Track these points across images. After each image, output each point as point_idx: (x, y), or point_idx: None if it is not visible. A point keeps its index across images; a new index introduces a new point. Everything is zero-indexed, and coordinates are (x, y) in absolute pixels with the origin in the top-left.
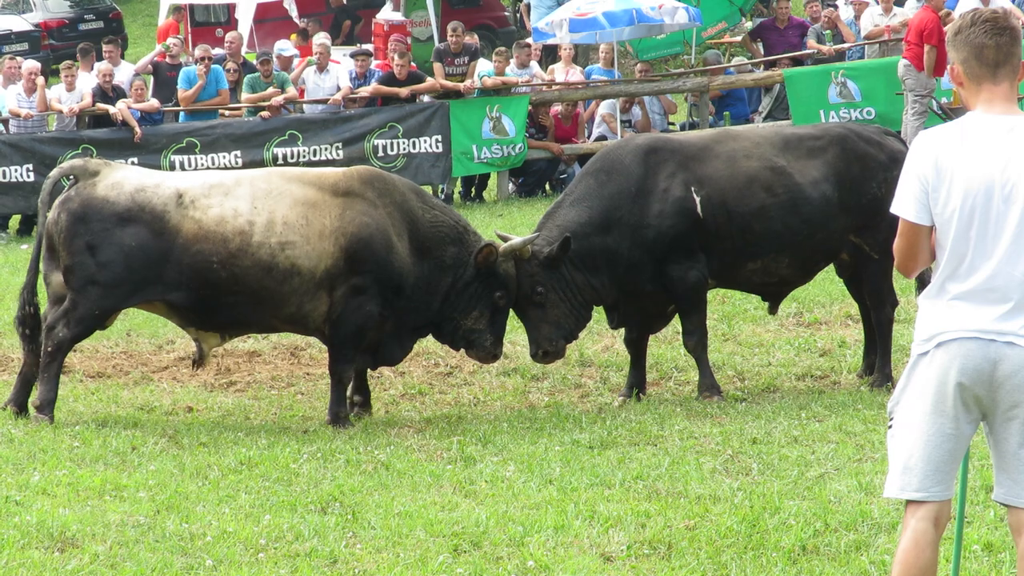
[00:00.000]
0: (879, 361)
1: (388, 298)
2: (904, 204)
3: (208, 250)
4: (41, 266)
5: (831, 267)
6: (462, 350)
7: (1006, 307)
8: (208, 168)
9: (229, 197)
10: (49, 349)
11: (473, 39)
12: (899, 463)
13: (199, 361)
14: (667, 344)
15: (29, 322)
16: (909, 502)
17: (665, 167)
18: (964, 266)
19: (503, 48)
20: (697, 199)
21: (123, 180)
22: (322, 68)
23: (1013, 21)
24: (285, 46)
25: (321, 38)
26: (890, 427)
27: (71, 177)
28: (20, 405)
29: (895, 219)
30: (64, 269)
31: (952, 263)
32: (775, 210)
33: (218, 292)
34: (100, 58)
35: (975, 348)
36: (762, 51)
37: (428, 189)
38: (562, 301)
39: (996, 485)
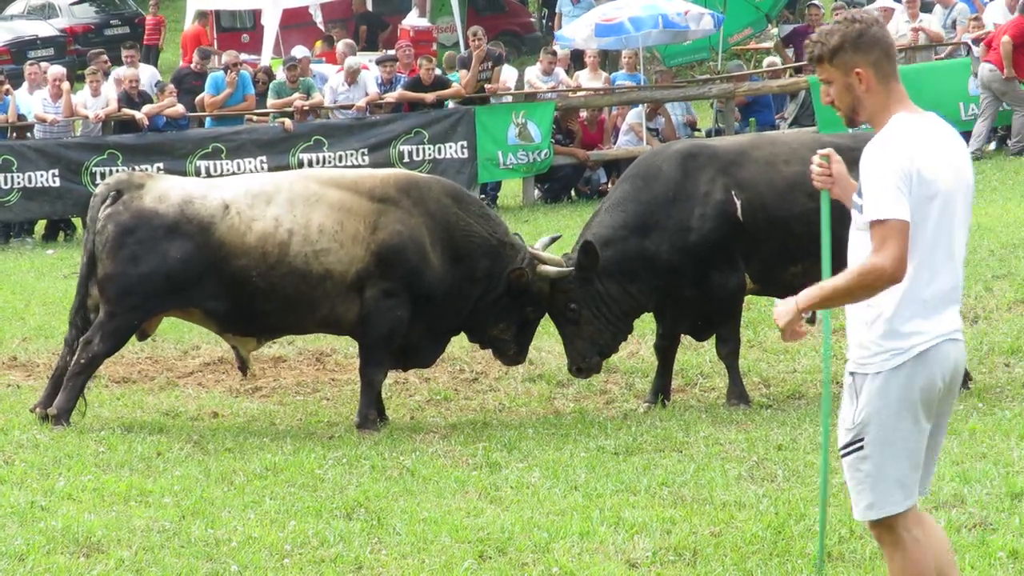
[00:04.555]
0: None
1: (419, 304)
2: (898, 206)
3: (249, 263)
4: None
5: None
6: (488, 352)
7: (959, 305)
8: (234, 174)
9: (271, 206)
10: (82, 361)
11: (498, 47)
12: (892, 483)
13: (243, 368)
14: (692, 351)
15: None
16: (892, 515)
17: (704, 172)
18: (935, 268)
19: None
20: (738, 203)
21: (169, 191)
22: (351, 82)
23: None
24: (300, 51)
25: (349, 58)
26: (858, 449)
27: (116, 191)
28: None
29: None
30: (102, 278)
31: (926, 266)
32: (816, 215)
33: (255, 300)
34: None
35: (952, 350)
36: (792, 57)
37: None
38: (596, 318)
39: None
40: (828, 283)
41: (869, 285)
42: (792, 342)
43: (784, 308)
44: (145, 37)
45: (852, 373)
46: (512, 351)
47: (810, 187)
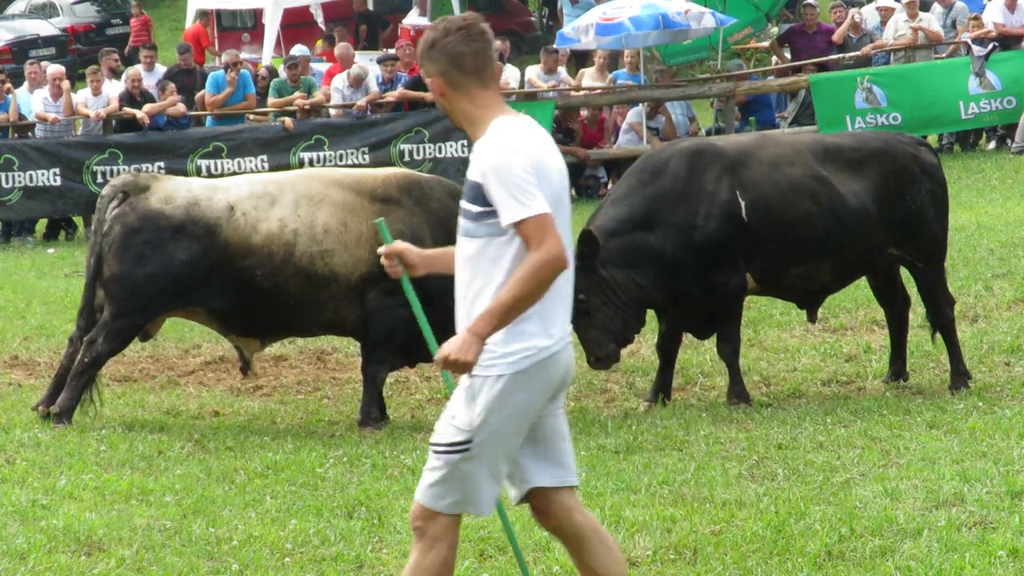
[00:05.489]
0: (952, 361)
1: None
2: (537, 200)
3: (254, 263)
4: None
5: None
6: None
7: (571, 309)
8: (235, 172)
9: (276, 207)
10: (86, 360)
11: (504, 46)
12: (487, 485)
13: (245, 367)
14: (692, 350)
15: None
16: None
17: (710, 171)
18: None
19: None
20: (742, 203)
21: (175, 192)
22: (356, 87)
23: (484, 26)
24: (300, 50)
25: (355, 66)
26: (465, 451)
27: (122, 193)
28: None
29: (933, 228)
30: (108, 279)
31: None
32: (818, 218)
33: (259, 300)
34: (129, 63)
35: (568, 354)
36: (789, 56)
37: None
38: (605, 305)
39: (535, 475)
40: (501, 298)
41: (546, 279)
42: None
43: (466, 341)
44: (132, 39)
45: (472, 375)
46: None
47: (811, 190)
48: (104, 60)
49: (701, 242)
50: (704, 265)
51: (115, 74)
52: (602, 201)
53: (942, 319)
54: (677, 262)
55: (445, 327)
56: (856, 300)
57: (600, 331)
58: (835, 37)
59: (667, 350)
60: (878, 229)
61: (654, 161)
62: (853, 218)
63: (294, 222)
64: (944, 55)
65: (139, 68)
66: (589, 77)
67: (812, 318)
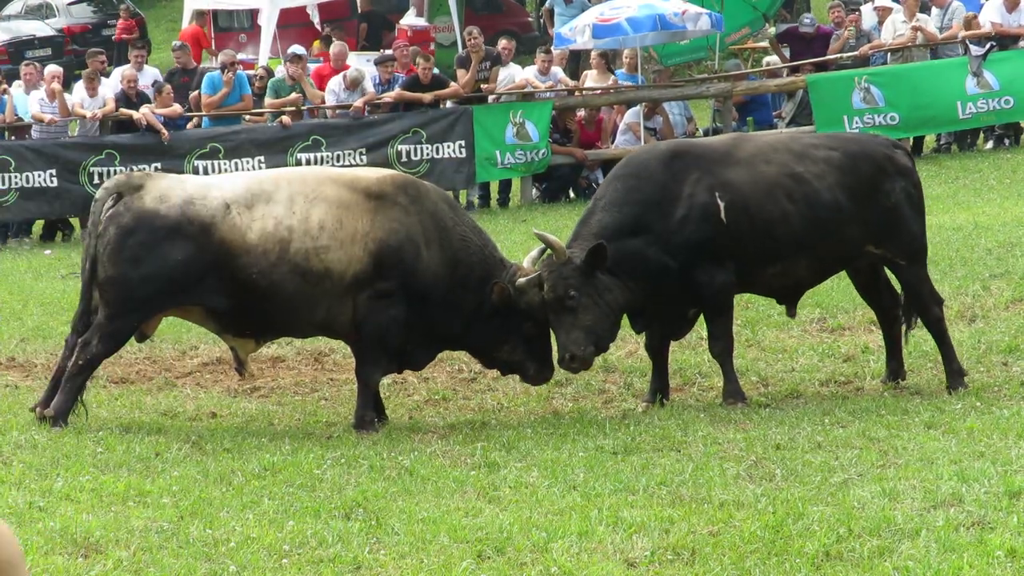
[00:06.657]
0: (944, 360)
1: (415, 305)
2: None
3: (249, 261)
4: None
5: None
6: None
7: None
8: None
9: (271, 204)
10: (80, 362)
11: (509, 45)
12: None
13: (240, 368)
14: (691, 350)
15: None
16: None
17: (690, 172)
18: None
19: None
20: (721, 204)
21: (169, 191)
22: (352, 89)
23: None
24: (298, 50)
25: (352, 69)
26: None
27: (116, 194)
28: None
29: (911, 226)
30: (103, 280)
31: None
32: (795, 216)
33: (255, 298)
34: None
35: None
36: (788, 56)
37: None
38: (595, 306)
39: None
40: None
41: None
42: None
43: None
44: (115, 40)
45: None
46: (532, 370)
47: (788, 189)
48: (91, 61)
49: (681, 245)
50: (687, 266)
51: (102, 75)
52: (591, 205)
53: (931, 318)
54: (663, 265)
55: (436, 332)
56: (855, 300)
57: (583, 331)
58: (831, 51)
59: (656, 349)
60: (854, 226)
61: (637, 164)
62: (828, 215)
63: (289, 218)
64: (939, 54)
65: (128, 68)
66: (592, 79)
67: (791, 312)
